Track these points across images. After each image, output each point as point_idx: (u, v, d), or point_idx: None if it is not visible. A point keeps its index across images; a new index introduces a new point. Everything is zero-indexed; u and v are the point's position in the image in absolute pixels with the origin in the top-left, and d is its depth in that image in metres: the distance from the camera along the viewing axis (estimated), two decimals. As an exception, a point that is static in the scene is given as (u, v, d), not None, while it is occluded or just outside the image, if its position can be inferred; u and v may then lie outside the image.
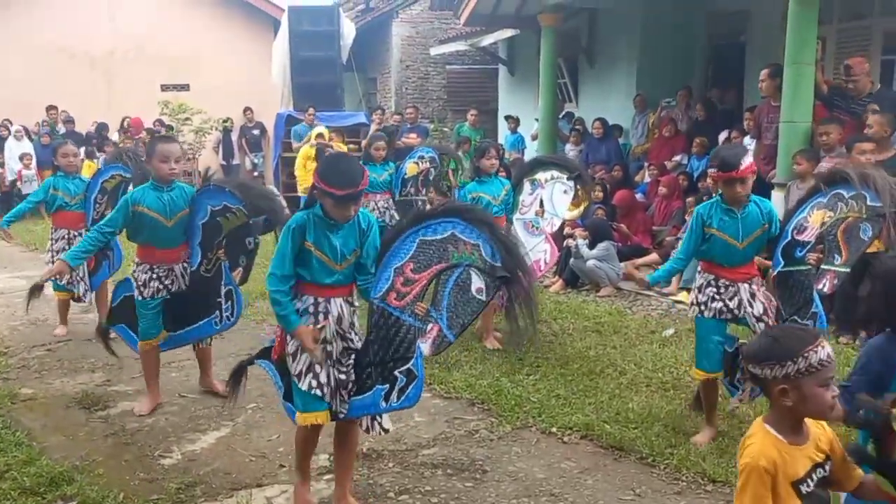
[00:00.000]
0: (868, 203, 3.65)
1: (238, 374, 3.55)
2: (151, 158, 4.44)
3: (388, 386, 3.17)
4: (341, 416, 3.24)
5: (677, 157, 8.94)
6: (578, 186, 5.98)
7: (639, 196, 8.87)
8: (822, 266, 3.86)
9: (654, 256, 7.85)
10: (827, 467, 2.01)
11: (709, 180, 6.35)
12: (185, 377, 5.20)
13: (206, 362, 4.93)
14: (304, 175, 10.63)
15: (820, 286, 3.87)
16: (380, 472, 3.78)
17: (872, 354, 2.37)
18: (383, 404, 3.19)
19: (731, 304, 3.95)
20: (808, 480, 1.96)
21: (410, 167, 6.95)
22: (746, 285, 3.97)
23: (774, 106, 6.79)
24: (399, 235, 3.14)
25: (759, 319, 3.91)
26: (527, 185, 5.97)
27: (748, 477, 1.92)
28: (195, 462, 3.95)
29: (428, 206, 9.65)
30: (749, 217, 3.89)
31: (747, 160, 3.84)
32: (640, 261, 7.80)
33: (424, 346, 3.23)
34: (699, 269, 4.17)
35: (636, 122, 10.09)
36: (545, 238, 5.99)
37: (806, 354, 1.93)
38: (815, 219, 3.76)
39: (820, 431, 2.03)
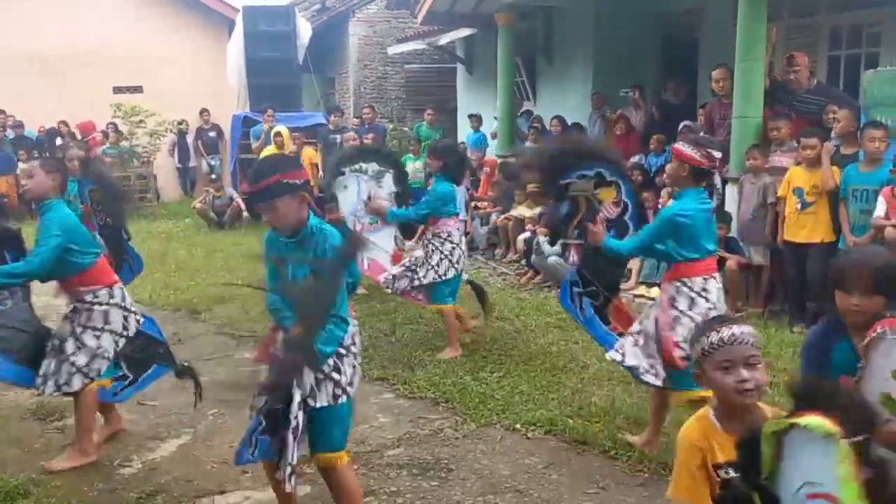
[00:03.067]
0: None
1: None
2: None
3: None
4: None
5: (635, 159, 9.03)
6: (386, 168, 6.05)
7: (597, 192, 8.95)
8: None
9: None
10: None
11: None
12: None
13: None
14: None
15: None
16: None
17: (809, 354, 2.44)
18: None
19: None
20: (729, 468, 1.98)
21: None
22: None
23: (725, 103, 6.92)
24: None
25: None
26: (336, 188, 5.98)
27: (678, 450, 2.07)
28: (156, 471, 3.88)
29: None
30: None
31: None
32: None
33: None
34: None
35: (593, 119, 10.19)
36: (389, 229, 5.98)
37: (705, 335, 2.04)
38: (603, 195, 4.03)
39: None
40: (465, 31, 12.18)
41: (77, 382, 3.82)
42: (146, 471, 3.88)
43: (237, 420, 4.42)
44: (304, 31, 13.83)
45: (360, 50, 15.95)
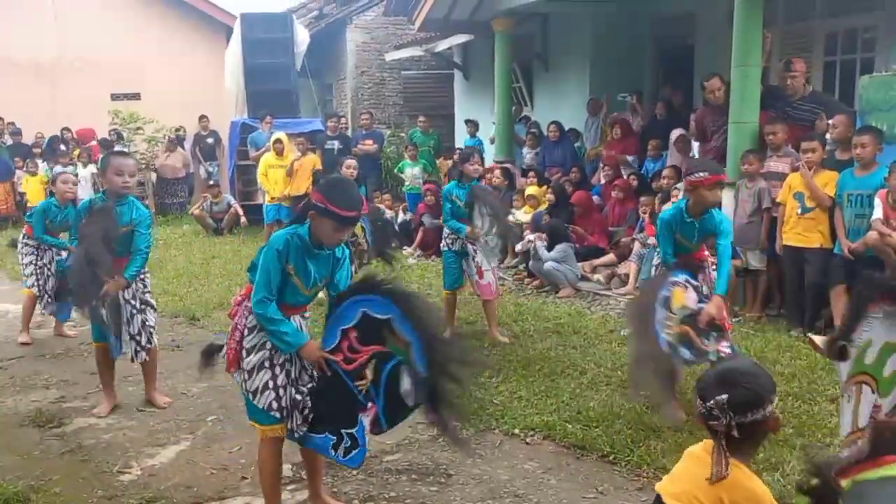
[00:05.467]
0: None
1: (210, 354, 3.44)
2: (106, 172, 4.48)
3: (335, 439, 3.15)
4: (297, 436, 3.20)
5: (630, 158, 9.06)
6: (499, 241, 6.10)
7: (594, 198, 8.99)
8: None
9: (610, 257, 8.01)
10: None
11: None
12: (143, 391, 5.10)
13: (150, 375, 4.87)
14: (268, 183, 10.53)
15: None
16: (344, 480, 3.77)
17: None
18: (331, 452, 3.18)
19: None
20: None
21: None
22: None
23: (718, 109, 6.93)
24: (345, 299, 3.09)
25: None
26: (477, 208, 5.91)
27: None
28: (155, 477, 3.88)
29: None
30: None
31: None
32: (597, 261, 7.97)
33: (366, 422, 3.14)
34: None
35: (589, 125, 10.23)
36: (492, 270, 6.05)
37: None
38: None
39: None
40: (462, 38, 12.21)
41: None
42: (146, 477, 3.88)
43: (236, 426, 4.43)
44: (302, 37, 13.85)
45: (357, 56, 15.97)
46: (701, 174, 4.20)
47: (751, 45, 6.35)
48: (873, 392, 2.30)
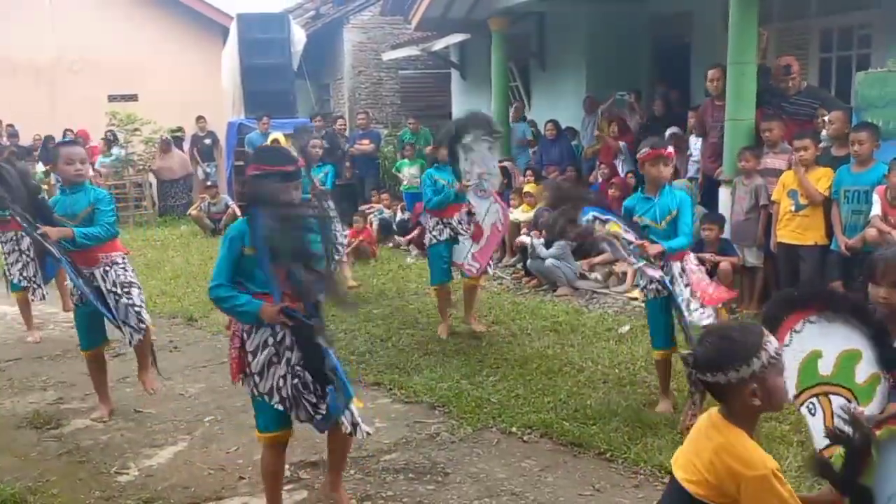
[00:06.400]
0: None
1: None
2: (57, 164, 4.46)
3: (332, 386, 3.13)
4: (319, 417, 3.16)
5: (623, 144, 9.04)
6: (496, 138, 6.35)
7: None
8: None
9: (608, 255, 8.01)
10: None
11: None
12: (140, 392, 5.10)
13: (142, 354, 4.78)
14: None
15: None
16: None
17: None
18: (338, 403, 3.14)
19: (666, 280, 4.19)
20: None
21: None
22: (678, 263, 4.26)
23: (718, 105, 6.94)
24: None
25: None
26: (461, 153, 6.10)
27: (773, 484, 1.87)
28: (153, 478, 3.89)
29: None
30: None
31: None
32: (596, 260, 7.97)
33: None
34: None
35: (586, 123, 10.23)
36: (493, 199, 6.21)
37: (765, 346, 1.92)
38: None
39: None
40: (459, 37, 12.21)
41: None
42: (143, 478, 3.89)
43: (233, 426, 4.44)
44: (299, 37, 13.87)
45: (354, 56, 15.97)
46: (644, 150, 4.29)
47: (746, 42, 6.35)
48: (849, 401, 2.31)
